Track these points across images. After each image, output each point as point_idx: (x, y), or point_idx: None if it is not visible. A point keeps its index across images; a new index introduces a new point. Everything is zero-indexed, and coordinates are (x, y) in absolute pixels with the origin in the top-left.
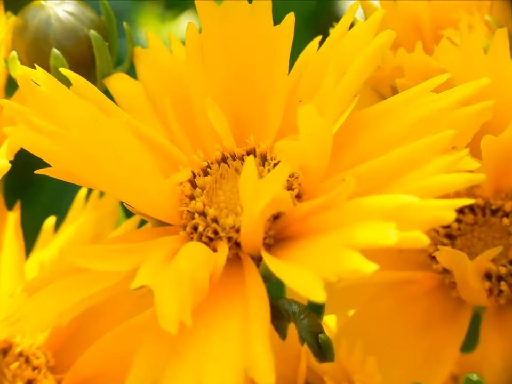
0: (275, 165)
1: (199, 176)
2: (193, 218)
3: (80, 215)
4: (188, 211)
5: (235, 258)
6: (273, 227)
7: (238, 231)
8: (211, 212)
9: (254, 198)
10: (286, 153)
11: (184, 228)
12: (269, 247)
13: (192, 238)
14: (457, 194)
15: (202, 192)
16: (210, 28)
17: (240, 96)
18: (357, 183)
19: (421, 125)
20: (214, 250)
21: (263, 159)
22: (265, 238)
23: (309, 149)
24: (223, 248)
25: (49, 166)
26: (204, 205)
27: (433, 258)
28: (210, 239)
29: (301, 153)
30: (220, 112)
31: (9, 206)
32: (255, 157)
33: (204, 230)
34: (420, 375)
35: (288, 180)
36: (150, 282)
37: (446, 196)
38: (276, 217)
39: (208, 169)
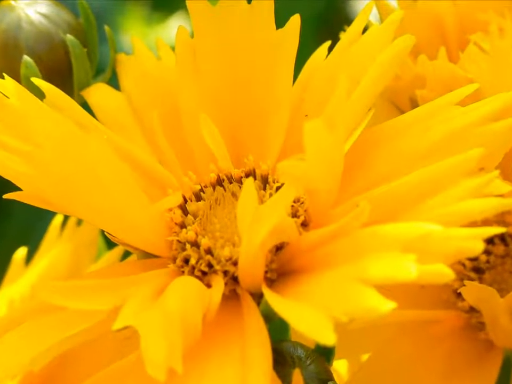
0: (278, 188)
1: (191, 201)
2: (184, 249)
3: (55, 245)
4: (178, 241)
5: (232, 295)
6: (276, 259)
7: (235, 264)
8: (204, 242)
9: (254, 226)
10: (290, 175)
11: (174, 260)
12: (270, 283)
13: (183, 272)
14: (486, 222)
15: (195, 219)
16: (203, 31)
17: (237, 110)
18: (372, 209)
19: (444, 143)
20: (208, 286)
21: (264, 182)
22: (266, 272)
23: (316, 170)
24: (219, 284)
25: (19, 189)
26: (197, 234)
27: (459, 295)
28: (204, 273)
29: (307, 175)
30: (214, 128)
31: None
32: (255, 179)
33: (197, 262)
34: None
35: (292, 206)
36: (135, 323)
37: (473, 224)
38: (278, 248)
39: (202, 193)
